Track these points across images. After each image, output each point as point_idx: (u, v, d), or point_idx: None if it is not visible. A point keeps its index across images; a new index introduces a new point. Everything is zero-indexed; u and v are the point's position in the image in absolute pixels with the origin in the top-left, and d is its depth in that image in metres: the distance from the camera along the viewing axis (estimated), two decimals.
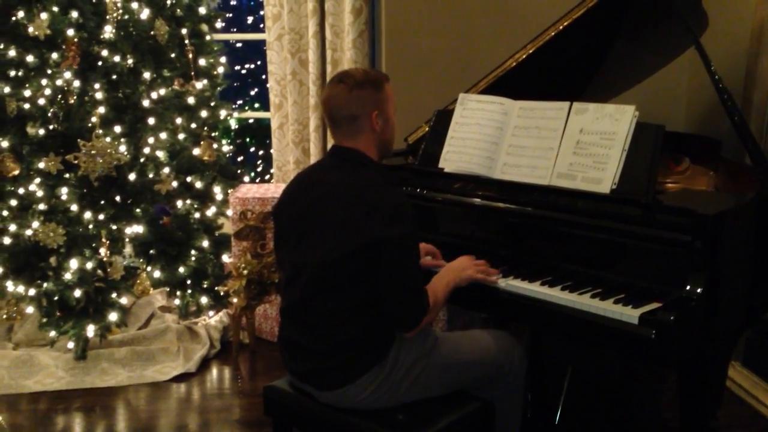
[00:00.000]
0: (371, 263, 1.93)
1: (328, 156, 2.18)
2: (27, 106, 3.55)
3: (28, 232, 3.53)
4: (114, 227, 3.62)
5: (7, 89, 3.56)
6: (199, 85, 3.94)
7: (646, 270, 2.02)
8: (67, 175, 3.56)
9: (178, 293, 3.92)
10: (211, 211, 4.03)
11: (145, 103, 3.73)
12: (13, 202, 3.61)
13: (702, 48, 2.33)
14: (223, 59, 4.15)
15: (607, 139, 2.15)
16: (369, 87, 2.06)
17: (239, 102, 6.23)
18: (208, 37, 4.05)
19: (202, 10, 3.99)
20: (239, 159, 6.40)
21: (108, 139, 3.53)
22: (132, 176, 3.68)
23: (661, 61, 2.99)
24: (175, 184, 3.81)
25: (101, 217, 3.60)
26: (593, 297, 1.99)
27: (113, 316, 3.58)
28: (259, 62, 6.52)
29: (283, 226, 2.17)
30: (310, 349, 2.06)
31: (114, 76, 3.66)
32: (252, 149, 6.75)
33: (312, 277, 2.02)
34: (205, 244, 3.93)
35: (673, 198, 2.23)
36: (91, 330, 3.52)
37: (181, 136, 3.88)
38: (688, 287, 1.89)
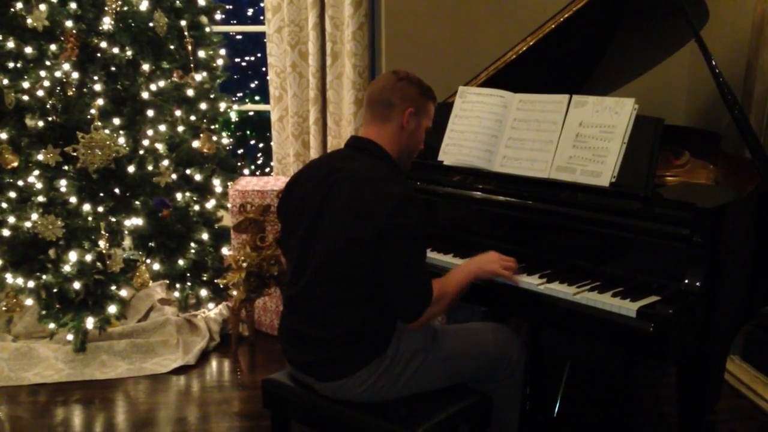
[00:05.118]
0: (376, 253, 1.93)
1: (345, 146, 2.19)
2: (25, 97, 3.54)
3: (27, 225, 3.53)
4: (113, 220, 3.62)
5: (5, 81, 3.55)
6: (199, 77, 3.93)
7: (645, 263, 2.02)
8: (65, 168, 3.56)
9: (178, 286, 3.92)
10: (210, 204, 4.02)
11: (144, 95, 3.72)
12: (12, 195, 3.61)
13: (702, 41, 2.32)
14: (222, 51, 4.13)
15: (607, 132, 2.14)
16: (416, 88, 2.13)
17: (239, 94, 6.21)
18: (207, 29, 4.03)
19: (202, 2, 3.98)
20: (239, 151, 6.39)
21: (107, 131, 3.53)
22: (131, 168, 3.67)
23: (661, 54, 2.98)
24: (174, 176, 3.81)
25: (100, 209, 3.60)
26: (591, 290, 1.99)
27: (112, 309, 3.58)
28: (258, 54, 6.51)
29: (291, 211, 2.17)
30: (312, 339, 2.07)
31: (113, 68, 3.65)
32: (252, 142, 6.74)
33: (319, 266, 2.02)
34: (205, 236, 3.93)
35: (672, 191, 2.22)
36: (90, 322, 3.52)
37: (180, 129, 3.87)
38: (686, 281, 1.89)
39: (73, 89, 3.56)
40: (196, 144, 3.90)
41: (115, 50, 3.62)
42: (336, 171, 2.06)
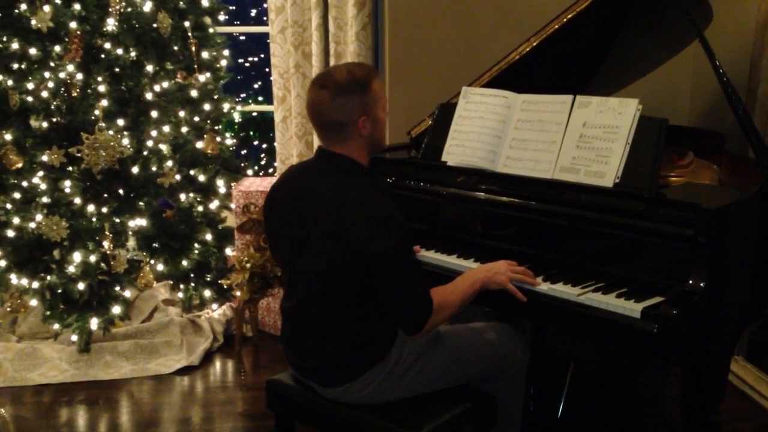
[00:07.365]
0: (365, 275, 1.91)
1: (316, 159, 2.09)
2: (30, 99, 3.55)
3: (32, 225, 3.54)
4: (117, 220, 3.63)
5: (10, 82, 3.55)
6: (202, 78, 3.93)
7: (649, 264, 2.01)
8: (70, 168, 3.56)
9: (182, 286, 3.93)
10: (214, 205, 4.03)
11: (148, 96, 3.73)
12: (17, 195, 3.62)
13: (706, 41, 2.32)
14: (226, 52, 4.13)
15: (611, 133, 2.14)
16: (354, 92, 1.95)
17: (242, 95, 6.23)
18: (211, 30, 4.04)
19: (205, 3, 3.98)
20: (242, 152, 6.40)
21: (111, 132, 3.53)
22: (135, 169, 3.68)
23: (665, 54, 2.97)
24: (178, 177, 3.81)
25: (104, 210, 3.60)
26: (595, 291, 1.99)
27: (117, 309, 3.59)
28: (262, 55, 6.52)
29: (274, 229, 2.17)
30: (313, 348, 2.07)
31: (117, 69, 3.66)
32: (255, 142, 6.76)
33: (307, 287, 2.02)
34: (208, 237, 3.93)
35: (676, 192, 2.22)
36: (94, 323, 3.53)
37: (184, 130, 3.87)
38: (691, 281, 1.88)
39: (78, 90, 3.56)
40: (199, 145, 3.91)
41: (119, 51, 3.62)
42: (310, 190, 2.00)
